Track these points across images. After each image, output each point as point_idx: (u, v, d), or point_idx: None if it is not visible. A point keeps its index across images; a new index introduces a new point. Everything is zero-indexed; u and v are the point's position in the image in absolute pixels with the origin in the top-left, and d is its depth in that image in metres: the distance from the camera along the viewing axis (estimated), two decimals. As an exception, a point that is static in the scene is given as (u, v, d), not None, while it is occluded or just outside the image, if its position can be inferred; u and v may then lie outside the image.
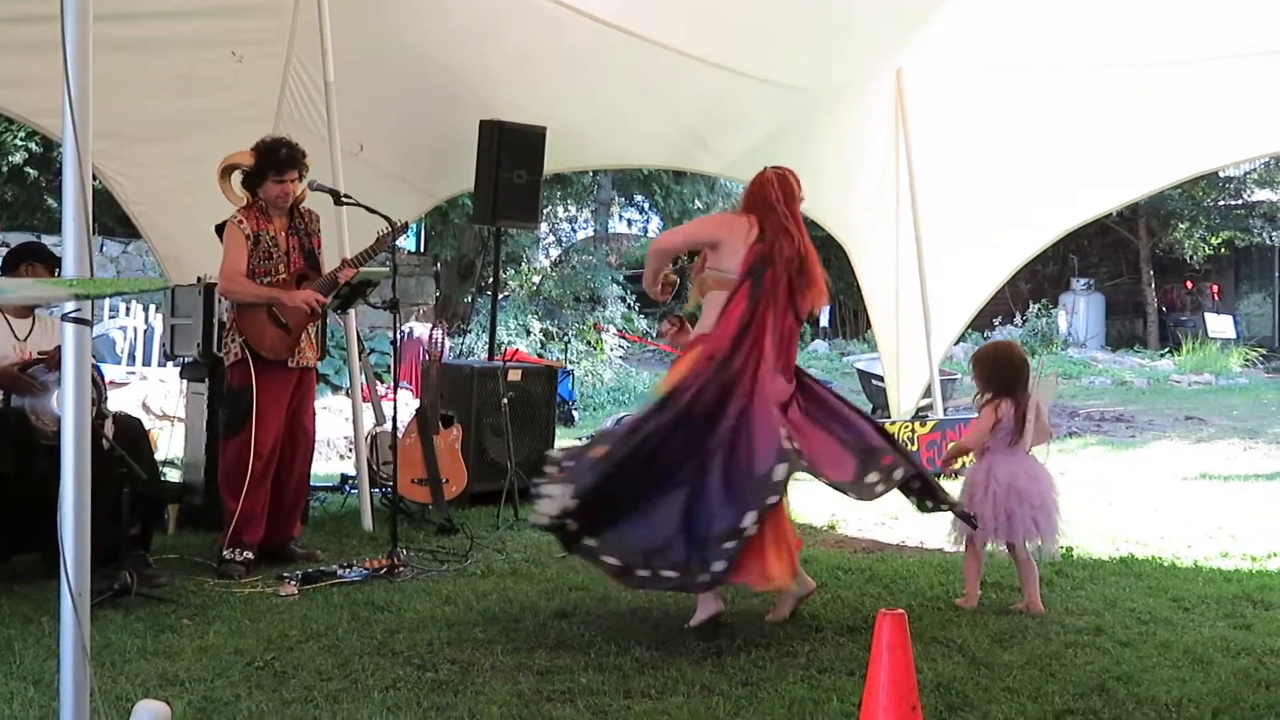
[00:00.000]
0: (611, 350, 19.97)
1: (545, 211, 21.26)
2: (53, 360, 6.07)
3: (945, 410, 11.57)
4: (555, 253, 25.32)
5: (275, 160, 6.57)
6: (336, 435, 11.29)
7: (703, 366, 5.47)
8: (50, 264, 6.50)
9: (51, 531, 3.36)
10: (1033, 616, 5.74)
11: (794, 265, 5.62)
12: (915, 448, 10.39)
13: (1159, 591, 6.26)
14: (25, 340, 6.44)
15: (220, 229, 6.66)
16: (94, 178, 6.15)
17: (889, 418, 10.53)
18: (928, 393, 11.12)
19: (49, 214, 17.79)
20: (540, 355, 17.70)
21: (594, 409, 16.76)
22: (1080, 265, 27.39)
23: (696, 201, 20.78)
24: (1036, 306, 25.44)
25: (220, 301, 6.82)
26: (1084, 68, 9.05)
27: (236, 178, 6.69)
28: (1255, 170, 24.26)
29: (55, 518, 3.33)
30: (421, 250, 21.65)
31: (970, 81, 9.50)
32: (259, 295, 6.61)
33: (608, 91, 9.11)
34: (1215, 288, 27.26)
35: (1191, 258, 26.18)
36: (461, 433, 8.28)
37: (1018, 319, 25.46)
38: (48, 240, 13.68)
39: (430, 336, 8.41)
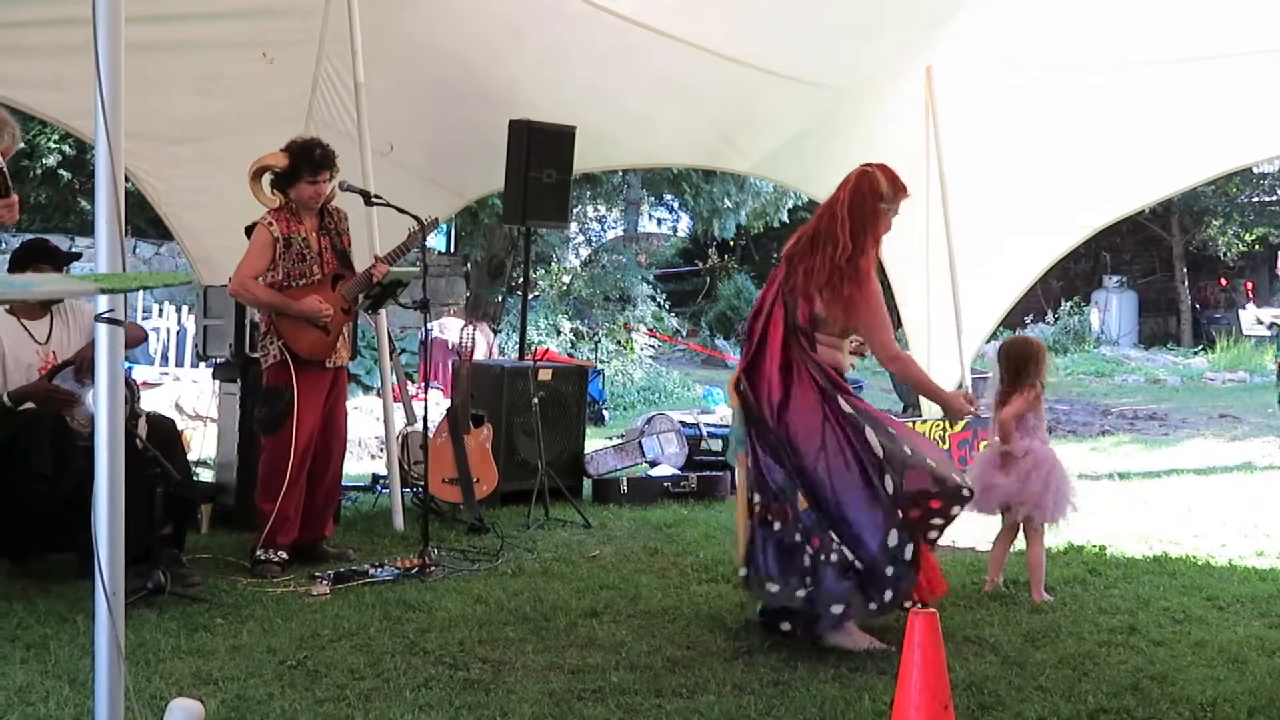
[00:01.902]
0: (642, 350, 19.96)
1: (575, 211, 21.27)
2: (83, 364, 6.08)
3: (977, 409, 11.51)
4: (585, 252, 25.33)
5: (310, 161, 6.58)
6: (368, 435, 11.32)
7: None
8: (58, 263, 6.48)
9: (86, 531, 3.38)
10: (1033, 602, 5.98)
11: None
12: (946, 446, 10.35)
13: (1193, 590, 6.22)
14: (47, 342, 6.42)
15: (250, 230, 6.66)
16: (125, 179, 6.20)
17: (920, 416, 10.48)
18: (959, 391, 11.06)
19: (82, 215, 17.91)
20: (571, 355, 17.72)
21: (624, 408, 16.75)
22: (1113, 262, 27.24)
23: (726, 200, 20.73)
24: (1069, 304, 25.31)
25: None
26: (1116, 64, 8.99)
27: (267, 179, 6.69)
28: (1289, 167, 24.07)
29: (90, 517, 3.36)
30: (452, 250, 21.69)
31: (1000, 78, 9.45)
32: (268, 300, 6.60)
33: (636, 90, 9.11)
34: (1249, 285, 27.04)
35: (1225, 254, 25.99)
36: (492, 432, 8.30)
37: (1049, 317, 25.33)
38: (81, 242, 13.81)
39: (461, 336, 8.42)
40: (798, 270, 5.47)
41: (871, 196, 5.50)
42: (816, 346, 5.36)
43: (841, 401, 5.28)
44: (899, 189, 5.58)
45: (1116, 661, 4.97)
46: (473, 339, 8.51)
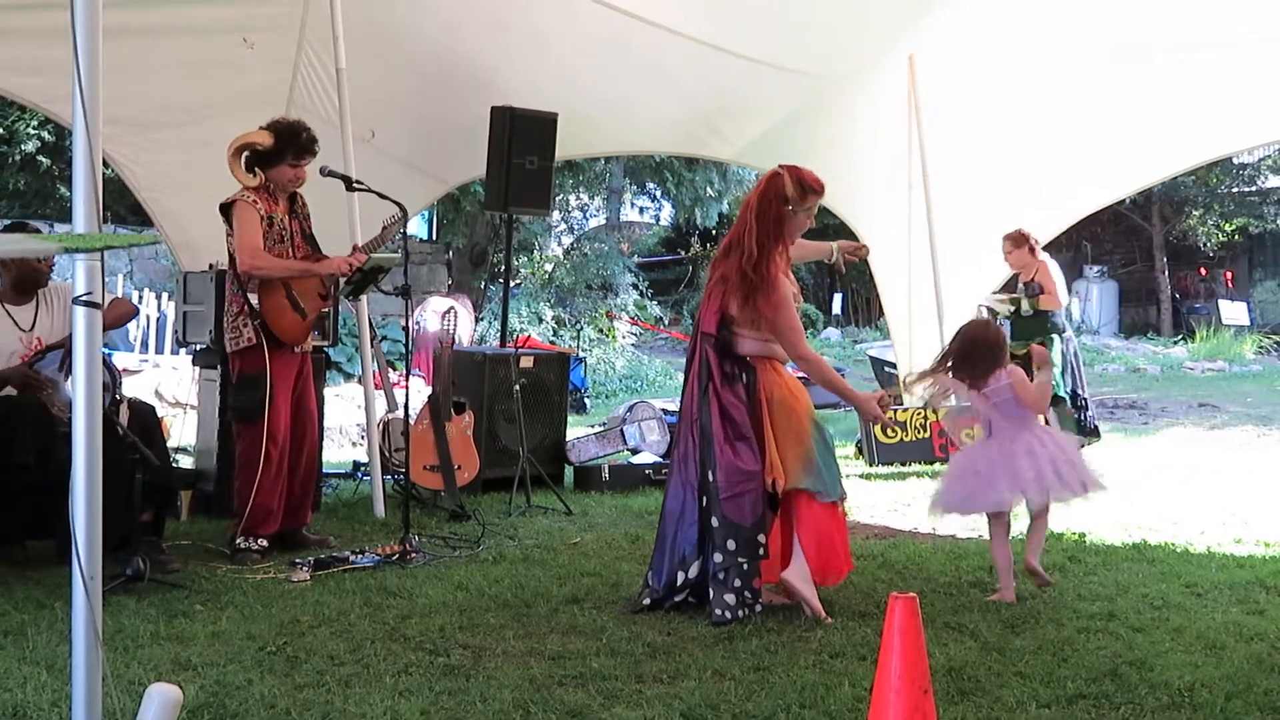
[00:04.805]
0: (624, 338, 19.99)
1: (557, 199, 21.27)
2: (70, 350, 6.04)
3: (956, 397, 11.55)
4: (567, 240, 25.34)
5: (296, 143, 6.51)
6: (349, 422, 11.30)
7: None
8: None
9: (66, 517, 3.36)
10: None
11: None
12: (927, 435, 10.38)
13: (1172, 577, 6.24)
14: (32, 329, 6.35)
15: (225, 209, 6.53)
16: (105, 164, 6.16)
17: (902, 405, 10.51)
18: (941, 379, 11.09)
19: (62, 202, 17.82)
20: (553, 342, 17.72)
21: (606, 396, 16.76)
22: (1093, 252, 27.35)
23: (708, 189, 20.76)
24: (1050, 293, 25.36)
25: (231, 285, 6.68)
26: (1097, 53, 9.01)
27: (244, 158, 6.57)
28: (1269, 156, 24.19)
29: (69, 504, 3.34)
30: (433, 238, 21.66)
31: (982, 66, 9.46)
32: (288, 269, 6.54)
33: (619, 77, 9.10)
34: (1229, 274, 27.20)
35: (1205, 244, 26.13)
36: (474, 419, 8.29)
37: (1031, 306, 25.39)
38: (61, 228, 13.72)
39: (443, 323, 8.41)
40: (714, 275, 5.64)
41: (776, 200, 5.52)
42: (738, 342, 5.50)
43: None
44: (809, 190, 5.56)
45: (1095, 648, 4.98)
46: (454, 325, 8.50)
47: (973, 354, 5.93)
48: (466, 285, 19.93)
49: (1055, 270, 10.17)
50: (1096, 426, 10.66)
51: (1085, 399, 10.41)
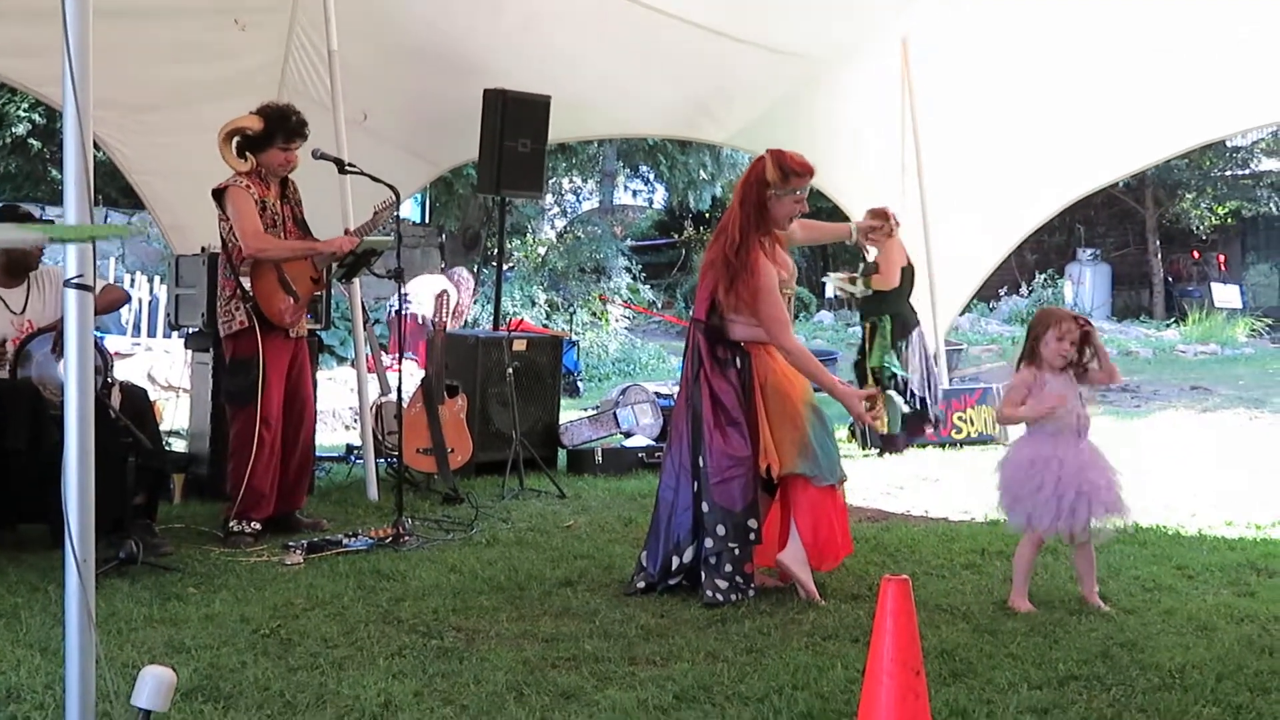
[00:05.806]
0: (616, 321, 19.98)
1: (550, 182, 21.25)
2: (61, 334, 6.02)
3: (950, 380, 11.59)
4: (560, 224, 25.31)
5: (286, 127, 6.49)
6: (342, 406, 11.30)
7: None
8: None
9: (59, 501, 3.36)
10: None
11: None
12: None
13: (1163, 559, 6.26)
14: (23, 311, 6.35)
15: (218, 194, 6.50)
16: (96, 147, 6.14)
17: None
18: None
19: (53, 185, 17.76)
20: (545, 326, 17.72)
21: (599, 379, 16.77)
22: (1086, 235, 27.34)
23: (701, 172, 20.73)
24: (1042, 277, 25.41)
25: (223, 269, 6.64)
26: (1090, 36, 8.99)
27: (235, 143, 6.53)
28: (1263, 140, 24.19)
29: (61, 487, 3.33)
30: (426, 221, 21.63)
31: (975, 49, 9.45)
32: (293, 249, 6.54)
33: (612, 60, 9.08)
34: (1222, 258, 27.20)
35: (1198, 228, 26.12)
36: (467, 402, 8.29)
37: (1023, 289, 25.44)
38: (52, 212, 13.68)
39: (435, 306, 8.41)
40: (705, 260, 5.66)
41: (758, 185, 5.50)
42: (730, 328, 5.50)
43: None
44: (791, 173, 5.48)
45: (1087, 629, 5.00)
46: (446, 309, 8.49)
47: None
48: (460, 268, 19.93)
49: (900, 254, 9.85)
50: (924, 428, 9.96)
51: (923, 399, 9.93)
